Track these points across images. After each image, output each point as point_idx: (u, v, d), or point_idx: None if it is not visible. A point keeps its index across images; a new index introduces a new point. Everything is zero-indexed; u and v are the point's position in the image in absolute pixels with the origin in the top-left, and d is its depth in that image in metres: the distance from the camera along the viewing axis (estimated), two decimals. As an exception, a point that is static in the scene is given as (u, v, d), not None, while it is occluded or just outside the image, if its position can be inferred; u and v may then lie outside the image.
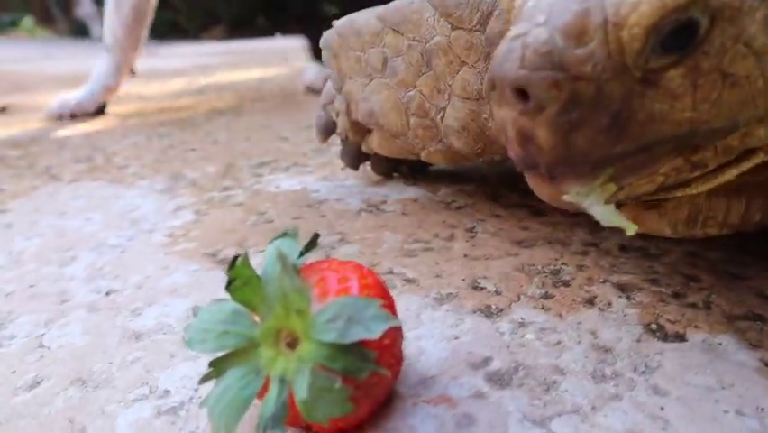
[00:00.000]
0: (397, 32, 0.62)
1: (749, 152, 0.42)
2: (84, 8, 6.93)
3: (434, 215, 0.77)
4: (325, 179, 0.97)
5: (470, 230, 0.72)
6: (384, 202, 0.84)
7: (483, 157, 0.64)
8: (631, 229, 0.41)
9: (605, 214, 0.41)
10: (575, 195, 0.38)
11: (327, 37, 0.73)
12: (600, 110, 0.34)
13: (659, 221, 0.48)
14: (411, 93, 0.64)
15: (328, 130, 0.85)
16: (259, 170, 1.05)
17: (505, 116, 0.36)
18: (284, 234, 0.40)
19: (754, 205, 0.49)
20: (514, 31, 0.36)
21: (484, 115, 0.59)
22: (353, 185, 0.92)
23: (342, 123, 0.80)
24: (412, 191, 0.87)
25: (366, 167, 0.93)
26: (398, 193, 0.87)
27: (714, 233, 0.50)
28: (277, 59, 3.25)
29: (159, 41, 5.80)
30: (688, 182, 0.43)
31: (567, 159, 0.35)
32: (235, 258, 0.37)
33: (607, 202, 0.39)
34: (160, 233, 0.78)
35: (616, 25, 0.34)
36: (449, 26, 0.58)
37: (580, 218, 0.73)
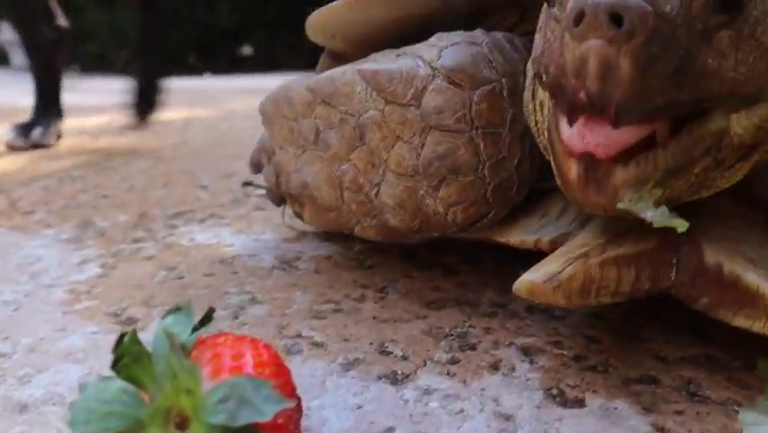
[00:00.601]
0: (329, 104, 0.61)
1: (752, 150, 0.48)
2: (3, 34, 6.69)
3: (347, 273, 0.77)
4: (241, 232, 0.96)
5: (382, 290, 0.72)
6: (298, 258, 0.83)
7: (420, 235, 0.64)
8: (682, 227, 0.44)
9: (656, 216, 0.43)
10: (627, 203, 0.42)
11: (263, 103, 0.71)
12: (672, 51, 0.39)
13: (553, 293, 0.50)
14: (345, 166, 0.62)
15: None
16: (173, 221, 1.03)
17: (590, 48, 0.38)
18: (177, 309, 0.39)
19: (643, 275, 0.52)
20: None
21: (421, 192, 0.58)
22: (269, 239, 0.92)
23: (272, 191, 0.78)
24: (326, 247, 0.87)
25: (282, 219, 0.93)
26: (313, 249, 0.87)
27: (607, 301, 0.52)
28: (204, 99, 3.22)
29: (84, 74, 5.64)
30: (708, 185, 0.48)
31: (640, 96, 0.39)
32: (123, 335, 0.36)
33: (656, 205, 0.43)
34: (61, 288, 0.74)
35: None
36: (383, 101, 0.57)
37: (489, 278, 0.74)
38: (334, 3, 0.65)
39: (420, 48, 0.59)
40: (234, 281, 0.76)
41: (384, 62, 0.58)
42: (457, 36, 0.58)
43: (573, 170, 0.43)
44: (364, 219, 0.65)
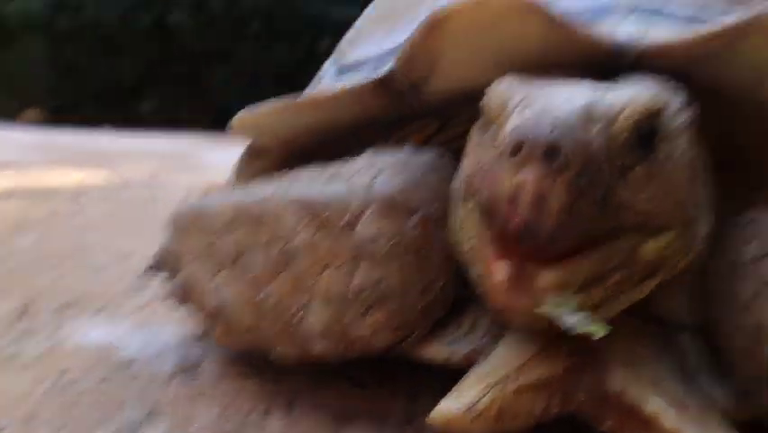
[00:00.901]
0: (254, 225, 0.59)
1: (657, 269, 0.52)
2: None
3: (252, 382, 0.73)
4: (141, 327, 0.90)
5: (289, 404, 0.69)
6: (201, 362, 0.78)
7: (341, 357, 0.62)
8: (601, 331, 0.47)
9: (577, 321, 0.46)
10: (550, 306, 0.45)
11: (177, 211, 0.68)
12: (597, 185, 0.42)
13: (471, 424, 0.51)
14: (269, 289, 0.59)
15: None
16: (62, 314, 0.94)
17: (525, 179, 0.41)
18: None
19: (554, 400, 0.54)
20: (535, 107, 0.43)
21: (348, 318, 0.57)
22: (170, 336, 0.86)
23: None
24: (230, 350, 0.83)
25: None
26: (217, 352, 0.82)
27: (520, 425, 0.53)
28: (99, 160, 3.08)
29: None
30: (618, 297, 0.51)
31: (569, 226, 0.42)
32: None
33: (577, 310, 0.46)
34: None
35: (610, 120, 0.44)
36: (314, 227, 0.56)
37: (399, 389, 0.73)
38: (265, 106, 0.65)
39: (353, 170, 0.58)
40: (133, 390, 0.70)
41: (316, 187, 0.57)
42: (389, 158, 0.58)
43: (499, 271, 0.44)
44: (285, 344, 0.62)
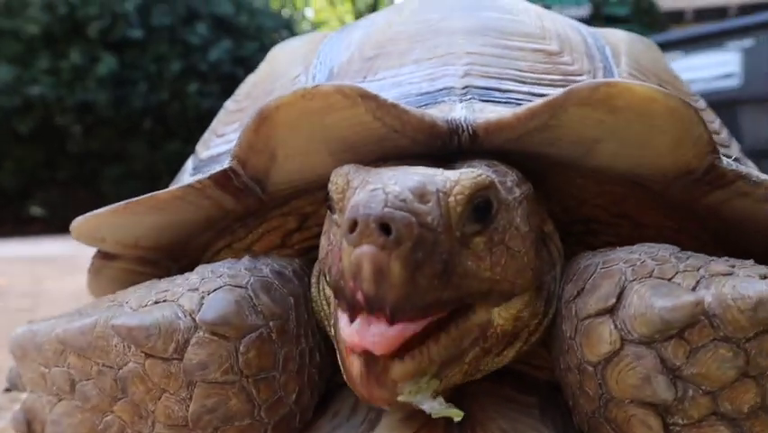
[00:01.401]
0: (84, 354, 0.56)
1: (515, 337, 0.54)
2: None
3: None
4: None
5: None
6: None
7: None
8: (458, 416, 0.49)
9: (434, 407, 0.48)
10: (407, 394, 0.46)
11: (12, 339, 0.63)
12: (436, 256, 0.44)
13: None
14: (109, 418, 0.56)
15: None
16: None
17: (362, 254, 0.42)
18: None
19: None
20: (369, 187, 0.45)
21: None
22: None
23: None
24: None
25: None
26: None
27: None
28: (-23, 271, 2.87)
29: None
30: (481, 369, 0.53)
31: (408, 300, 0.43)
32: None
33: (433, 396, 0.48)
34: None
35: (445, 194, 0.46)
36: (142, 354, 0.53)
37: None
38: (100, 210, 0.63)
39: (181, 290, 0.56)
40: None
41: (140, 314, 0.54)
42: (221, 276, 0.56)
43: (355, 365, 0.46)
44: None
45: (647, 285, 0.49)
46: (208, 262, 0.70)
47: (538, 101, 0.53)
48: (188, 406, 0.52)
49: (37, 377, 0.60)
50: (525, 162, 0.59)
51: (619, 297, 0.50)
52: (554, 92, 0.54)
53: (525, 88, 0.63)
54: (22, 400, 0.66)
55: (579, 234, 0.67)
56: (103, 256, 0.69)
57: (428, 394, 0.47)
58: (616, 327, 0.49)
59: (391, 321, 0.44)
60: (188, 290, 0.55)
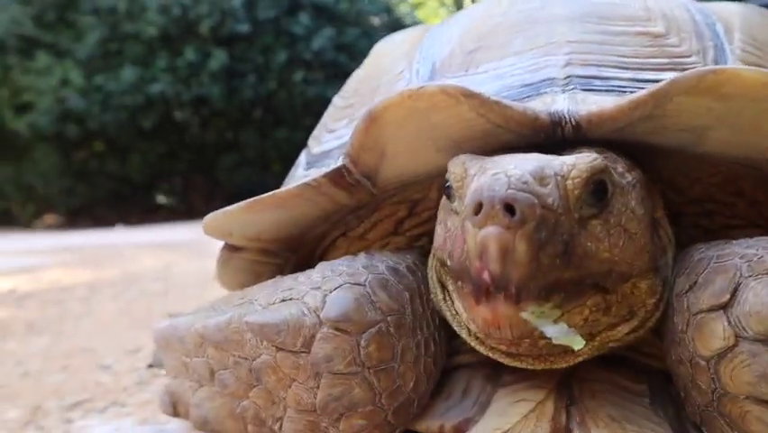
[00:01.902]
0: (221, 348, 0.62)
1: (632, 315, 0.55)
2: None
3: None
4: (145, 422, 0.91)
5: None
6: (204, 454, 0.80)
7: None
8: (578, 343, 0.52)
9: (557, 331, 0.50)
10: (530, 315, 0.47)
11: (156, 331, 0.71)
12: (557, 236, 0.46)
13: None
14: (245, 403, 0.62)
15: None
16: (70, 414, 0.97)
17: (488, 234, 0.44)
18: None
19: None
20: (490, 172, 0.47)
21: (323, 424, 0.59)
22: (174, 429, 0.88)
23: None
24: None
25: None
26: (219, 441, 0.84)
27: None
28: (112, 258, 3.15)
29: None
30: (596, 322, 0.53)
31: (532, 277, 0.45)
32: None
33: (555, 322, 0.49)
34: None
35: (563, 178, 0.48)
36: (273, 348, 0.58)
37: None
38: (229, 207, 0.68)
39: (305, 288, 0.60)
40: (133, 489, 0.71)
41: (270, 311, 0.59)
42: (340, 275, 0.60)
43: (484, 280, 0.46)
44: None
45: (764, 282, 0.48)
46: (325, 252, 0.76)
47: (642, 92, 0.53)
48: (316, 394, 0.57)
49: (179, 365, 0.67)
50: (632, 149, 0.59)
51: (734, 293, 0.49)
52: (660, 76, 0.54)
53: (628, 75, 0.63)
54: (166, 384, 0.74)
55: (693, 215, 0.66)
56: (229, 249, 0.75)
57: (550, 320, 0.49)
58: (729, 323, 0.49)
59: (516, 301, 0.46)
60: (312, 288, 0.59)
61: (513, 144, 0.57)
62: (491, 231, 0.44)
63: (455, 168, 0.53)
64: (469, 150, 0.56)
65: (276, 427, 0.61)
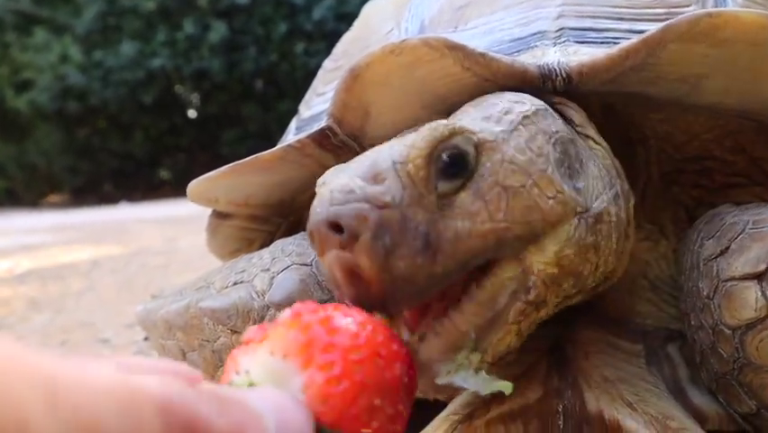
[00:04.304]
0: (185, 331, 0.64)
1: (578, 278, 0.49)
2: None
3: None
4: (141, 393, 0.92)
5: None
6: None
7: None
8: (508, 389, 0.43)
9: (480, 383, 0.43)
10: (446, 375, 0.41)
11: (138, 313, 0.74)
12: (410, 233, 0.39)
13: (441, 463, 0.50)
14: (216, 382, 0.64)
15: None
16: (67, 387, 0.97)
17: (330, 260, 0.39)
18: None
19: (531, 427, 0.53)
20: (322, 189, 0.42)
21: None
22: (170, 400, 0.88)
23: None
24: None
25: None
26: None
27: None
28: (115, 233, 3.15)
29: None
30: (534, 322, 0.47)
31: (395, 287, 0.39)
32: None
33: (477, 370, 0.43)
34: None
35: (402, 164, 0.41)
36: (228, 331, 0.59)
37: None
38: (212, 172, 0.67)
39: (256, 270, 0.61)
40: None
41: (221, 296, 0.61)
42: (289, 255, 0.60)
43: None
44: None
45: None
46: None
47: (633, 39, 0.50)
48: None
49: (159, 346, 0.70)
50: (627, 104, 0.57)
51: None
52: (656, 27, 0.51)
53: (625, 26, 0.60)
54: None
55: (692, 173, 0.64)
56: (218, 216, 0.75)
57: (470, 371, 0.43)
58: (763, 293, 0.47)
59: (390, 314, 0.40)
60: (261, 270, 0.60)
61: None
62: (330, 256, 0.39)
63: (318, 184, 0.46)
64: (456, 106, 0.54)
65: None
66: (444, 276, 0.41)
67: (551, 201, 0.45)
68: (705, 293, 0.50)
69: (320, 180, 0.45)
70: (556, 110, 0.53)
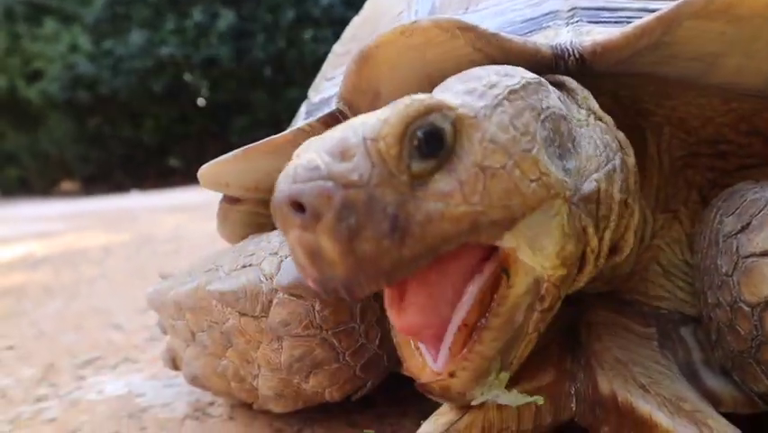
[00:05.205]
0: (194, 313, 0.64)
1: (579, 271, 0.50)
2: None
3: (262, 417, 0.75)
4: (155, 377, 0.92)
5: (299, 431, 0.70)
6: (212, 404, 0.80)
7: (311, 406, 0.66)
8: (540, 401, 0.48)
9: (512, 399, 0.46)
10: (481, 397, 0.44)
11: (149, 294, 0.74)
12: (377, 214, 0.37)
13: (452, 447, 0.50)
14: (225, 362, 0.65)
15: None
16: (82, 371, 0.98)
17: (292, 240, 0.38)
18: None
19: (544, 409, 0.53)
20: (290, 165, 0.39)
21: (295, 381, 0.61)
22: (183, 383, 0.87)
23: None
24: (242, 390, 0.85)
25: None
26: (227, 395, 0.84)
27: None
28: (126, 220, 3.17)
29: (4, 198, 5.49)
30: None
31: (360, 269, 0.37)
32: None
33: (509, 388, 0.46)
34: (-52, 471, 0.69)
35: (372, 140, 0.39)
36: (237, 313, 0.60)
37: (407, 406, 0.73)
38: (223, 156, 0.67)
39: (263, 254, 0.61)
40: (143, 437, 0.72)
41: (230, 279, 0.61)
42: None
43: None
44: (256, 401, 0.67)
45: None
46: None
47: (648, 17, 0.49)
48: (280, 356, 0.59)
49: (169, 327, 0.71)
50: (639, 87, 0.56)
51: None
52: (671, 4, 0.50)
53: (639, 4, 0.59)
54: (167, 341, 0.75)
55: (707, 156, 0.63)
56: (228, 201, 0.75)
57: (502, 388, 0.45)
58: None
59: (352, 298, 0.39)
60: (269, 254, 0.60)
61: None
62: (292, 236, 0.38)
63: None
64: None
65: (255, 383, 0.63)
66: (413, 260, 0.39)
67: (533, 184, 0.43)
68: (724, 270, 0.50)
69: (295, 153, 0.42)
70: (556, 85, 0.52)
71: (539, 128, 0.45)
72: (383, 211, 0.37)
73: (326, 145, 0.39)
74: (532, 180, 0.43)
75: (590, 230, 0.48)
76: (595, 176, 0.48)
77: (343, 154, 0.38)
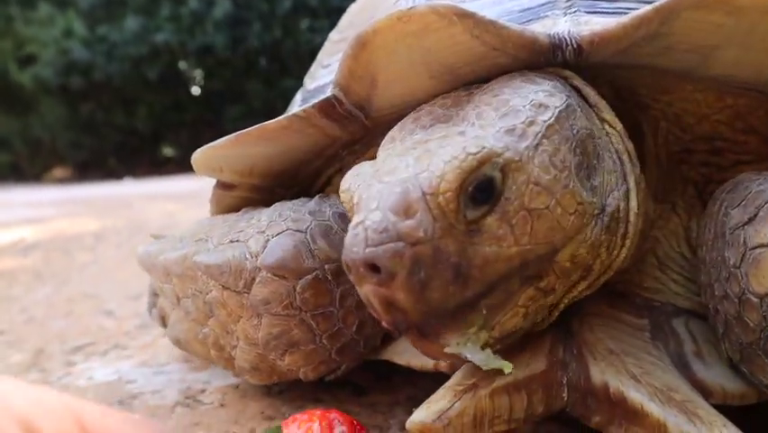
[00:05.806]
0: (180, 279, 0.65)
1: (587, 272, 0.52)
2: None
3: (254, 404, 0.75)
4: (145, 364, 0.92)
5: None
6: (203, 391, 0.80)
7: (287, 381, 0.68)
8: (507, 368, 0.49)
9: (483, 359, 0.47)
10: (455, 346, 0.45)
11: (138, 255, 0.74)
12: (442, 265, 0.41)
13: (444, 431, 0.50)
14: (206, 330, 0.66)
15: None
16: (72, 357, 0.97)
17: (367, 291, 0.42)
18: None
19: (536, 398, 0.53)
20: (354, 220, 0.43)
21: (271, 357, 0.62)
22: (174, 370, 0.88)
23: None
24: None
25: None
26: (220, 379, 0.84)
27: (502, 430, 0.52)
28: (119, 207, 3.15)
29: (-6, 184, 5.46)
30: (549, 311, 0.52)
31: (429, 314, 0.42)
32: None
33: (483, 347, 0.47)
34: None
35: (432, 195, 0.42)
36: (220, 286, 0.61)
37: (399, 396, 0.74)
38: (217, 141, 0.67)
39: (252, 231, 0.62)
40: (132, 426, 0.72)
41: (216, 252, 0.62)
42: (285, 220, 0.61)
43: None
44: (233, 371, 0.69)
45: None
46: (321, 190, 0.74)
47: (646, 8, 0.49)
48: (258, 332, 0.60)
49: (159, 288, 0.72)
50: (634, 81, 0.56)
51: None
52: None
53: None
54: (159, 300, 0.75)
55: (702, 152, 0.63)
56: (222, 186, 0.74)
57: (477, 346, 0.47)
58: None
59: (426, 338, 0.44)
60: (257, 232, 0.61)
61: (510, 69, 0.54)
62: (367, 289, 0.42)
63: (343, 194, 0.49)
64: (463, 75, 0.53)
65: (233, 353, 0.65)
66: (474, 298, 0.44)
67: (572, 217, 0.47)
68: (731, 262, 0.50)
69: (344, 185, 0.47)
70: (572, 87, 0.53)
71: (572, 158, 0.48)
72: (447, 261, 0.42)
73: (389, 203, 0.42)
74: (571, 214, 0.47)
75: (605, 245, 0.51)
76: (615, 193, 0.52)
77: (407, 211, 0.42)
